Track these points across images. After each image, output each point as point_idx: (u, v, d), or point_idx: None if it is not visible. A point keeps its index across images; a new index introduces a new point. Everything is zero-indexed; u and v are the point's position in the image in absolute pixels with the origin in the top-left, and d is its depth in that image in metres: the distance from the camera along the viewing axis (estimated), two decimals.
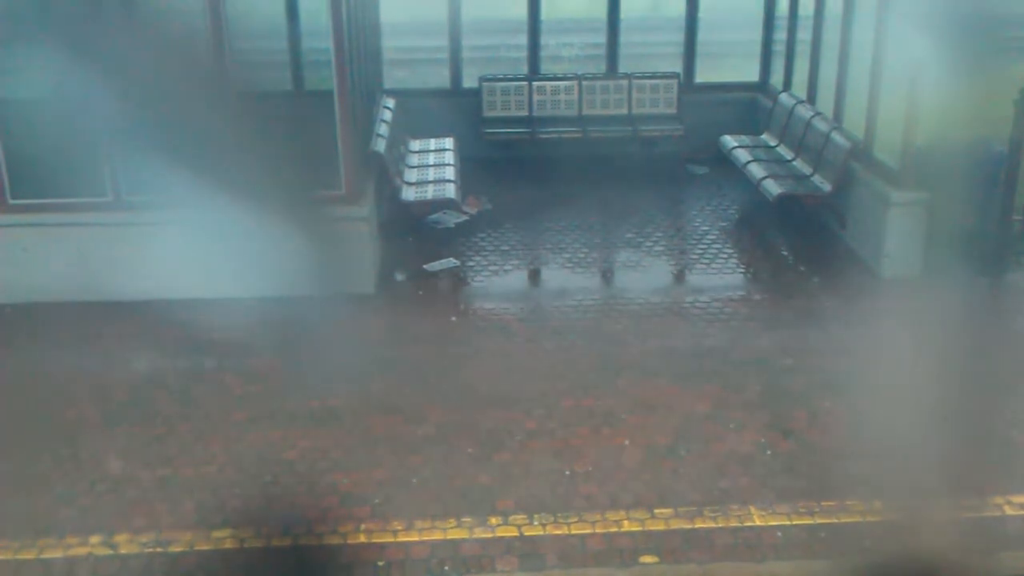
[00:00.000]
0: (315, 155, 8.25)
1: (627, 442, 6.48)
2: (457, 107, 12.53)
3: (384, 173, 9.96)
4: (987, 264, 9.35)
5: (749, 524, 5.69)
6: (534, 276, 9.54)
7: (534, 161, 12.24)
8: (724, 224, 10.70)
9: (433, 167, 11.12)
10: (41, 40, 7.40)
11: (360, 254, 8.67)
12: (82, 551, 5.48)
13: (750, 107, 13.10)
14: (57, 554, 5.46)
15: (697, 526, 5.67)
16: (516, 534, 5.61)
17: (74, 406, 6.92)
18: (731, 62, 14.87)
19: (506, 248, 9.94)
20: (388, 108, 11.36)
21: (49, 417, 6.77)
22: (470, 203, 10.95)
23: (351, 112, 8.48)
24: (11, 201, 8.37)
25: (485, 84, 12.77)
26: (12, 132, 8.23)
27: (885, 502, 5.84)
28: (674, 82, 12.89)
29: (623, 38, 12.96)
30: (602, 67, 13.14)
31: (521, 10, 12.79)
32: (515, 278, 9.31)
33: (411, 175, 10.86)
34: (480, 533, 5.62)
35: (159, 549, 5.48)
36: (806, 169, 10.65)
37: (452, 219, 10.60)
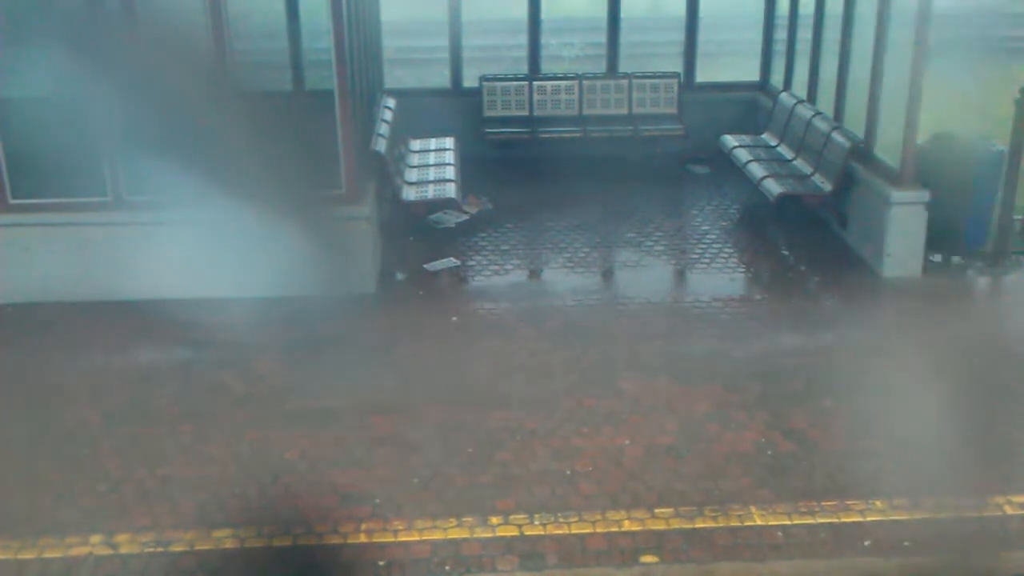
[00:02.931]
0: (315, 155, 8.25)
1: (628, 442, 6.48)
2: (457, 107, 12.53)
3: (385, 173, 9.96)
4: (987, 264, 9.36)
5: (750, 524, 5.69)
6: (534, 276, 9.53)
7: (534, 161, 12.25)
8: (725, 224, 10.70)
9: (433, 167, 11.13)
10: (41, 39, 7.41)
11: (361, 254, 8.67)
12: (83, 551, 5.48)
13: (750, 107, 13.10)
14: (57, 554, 5.46)
15: (698, 526, 5.67)
16: (517, 534, 5.61)
17: (74, 406, 6.92)
18: (731, 62, 14.89)
19: (506, 248, 9.94)
20: (388, 108, 11.36)
21: (49, 417, 6.77)
22: (470, 203, 10.95)
23: (351, 112, 8.48)
24: (11, 200, 8.37)
25: (485, 84, 12.78)
26: (12, 131, 8.24)
27: (885, 502, 5.84)
28: (674, 82, 12.89)
29: (623, 38, 12.97)
30: (602, 67, 13.15)
31: (521, 10, 12.80)
32: (515, 278, 9.30)
33: (412, 175, 10.87)
34: (481, 533, 5.62)
35: (160, 549, 5.48)
36: (807, 169, 10.64)
37: (452, 219, 10.60)
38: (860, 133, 9.80)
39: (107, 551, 5.47)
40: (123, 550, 5.48)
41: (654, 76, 12.95)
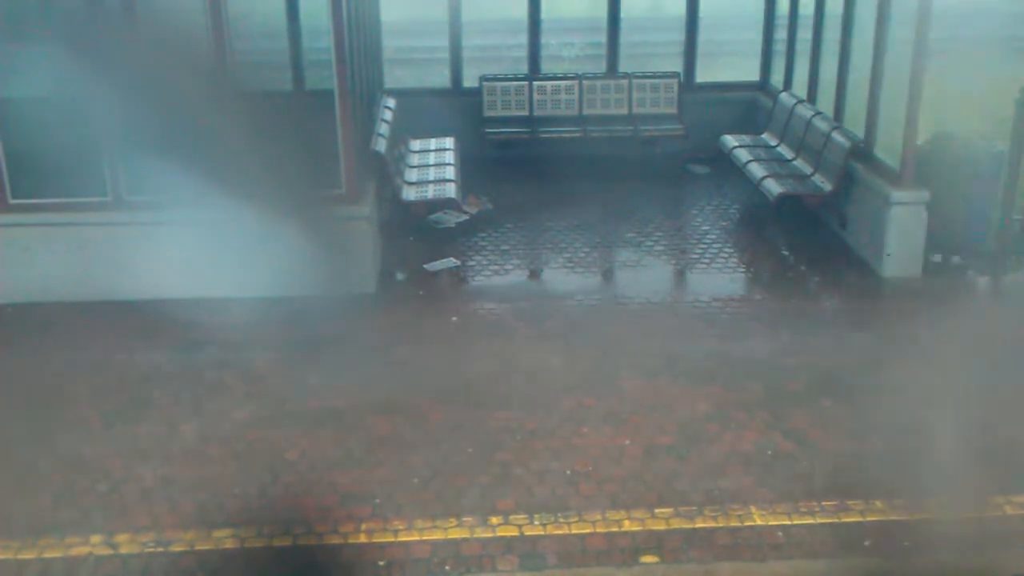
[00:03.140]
0: (315, 155, 8.25)
1: (628, 442, 6.47)
2: (458, 107, 12.53)
3: (385, 173, 9.96)
4: (987, 264, 9.35)
5: (750, 524, 5.69)
6: (534, 276, 9.53)
7: (534, 161, 12.24)
8: (725, 224, 10.70)
9: (434, 167, 11.12)
10: (42, 39, 7.41)
11: (361, 254, 8.66)
12: (83, 551, 5.48)
13: (750, 106, 13.10)
14: (57, 554, 5.46)
15: (698, 526, 5.67)
16: (517, 533, 5.61)
17: (74, 406, 6.92)
18: (731, 61, 14.89)
19: (506, 248, 9.94)
20: (389, 108, 11.36)
21: (50, 417, 6.77)
22: (470, 202, 10.95)
23: (351, 112, 8.48)
24: (11, 200, 8.37)
25: (485, 84, 12.78)
26: (13, 131, 8.23)
27: (885, 502, 5.84)
28: (674, 82, 12.89)
29: (623, 38, 12.97)
30: (602, 67, 13.15)
31: (521, 10, 12.80)
32: (515, 278, 9.30)
33: (412, 175, 10.86)
34: (481, 532, 5.62)
35: (160, 549, 5.48)
36: (807, 169, 10.64)
37: (452, 219, 10.60)
38: (860, 133, 9.80)
39: (107, 551, 5.47)
40: (123, 550, 5.48)
41: (654, 76, 12.95)
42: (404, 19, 15.96)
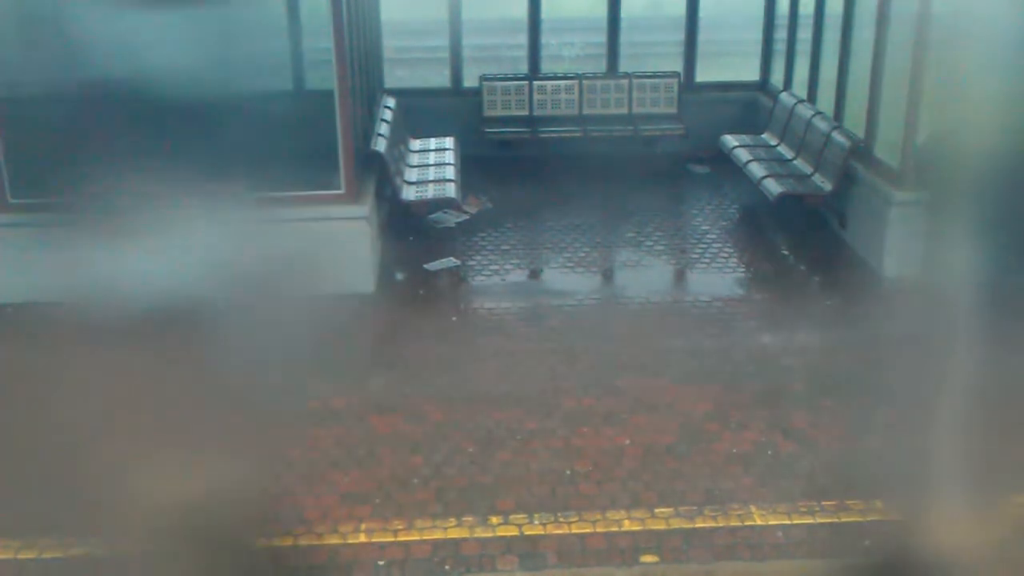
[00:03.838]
0: (316, 154, 8.24)
1: (628, 442, 6.47)
2: (458, 106, 12.54)
3: (384, 172, 9.95)
4: (987, 264, 9.34)
5: (750, 523, 5.69)
6: (534, 275, 9.53)
7: (535, 160, 12.24)
8: (725, 224, 10.70)
9: (433, 166, 11.12)
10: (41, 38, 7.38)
11: (360, 253, 8.66)
12: (82, 551, 5.47)
13: (751, 106, 13.10)
14: (57, 554, 5.45)
15: (698, 525, 5.67)
16: (516, 533, 5.61)
17: (74, 406, 6.90)
18: (731, 61, 14.88)
19: (506, 247, 9.93)
20: (388, 107, 11.36)
21: (49, 417, 6.76)
22: (470, 202, 10.95)
23: (351, 112, 8.48)
24: (11, 200, 8.36)
25: (486, 83, 12.77)
26: (13, 131, 8.23)
27: (886, 502, 5.83)
28: (674, 81, 12.89)
29: (623, 38, 12.97)
30: (602, 66, 13.15)
31: (521, 10, 12.80)
32: (516, 277, 9.30)
33: (411, 174, 10.86)
34: (480, 532, 5.62)
35: None
36: (807, 168, 10.64)
37: (452, 218, 10.60)
38: (860, 133, 9.80)
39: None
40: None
41: (654, 76, 12.95)
42: (404, 19, 15.95)
